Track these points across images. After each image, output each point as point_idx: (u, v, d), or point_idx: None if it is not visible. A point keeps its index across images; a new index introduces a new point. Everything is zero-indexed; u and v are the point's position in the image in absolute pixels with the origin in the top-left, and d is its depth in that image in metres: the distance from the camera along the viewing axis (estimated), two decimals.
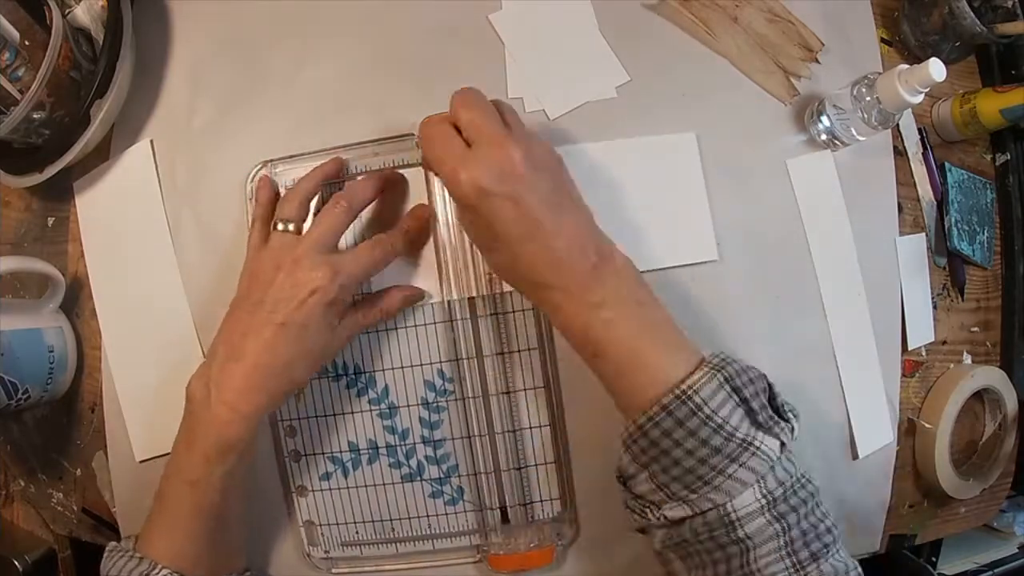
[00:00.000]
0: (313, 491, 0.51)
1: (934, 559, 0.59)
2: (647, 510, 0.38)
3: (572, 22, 0.52)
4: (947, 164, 0.56)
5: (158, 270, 0.53)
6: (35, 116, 0.48)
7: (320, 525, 0.51)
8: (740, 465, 0.35)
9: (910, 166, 0.55)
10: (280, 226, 0.44)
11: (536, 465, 0.50)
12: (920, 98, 0.45)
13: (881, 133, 0.50)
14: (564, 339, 0.40)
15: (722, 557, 0.35)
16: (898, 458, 0.53)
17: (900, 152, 0.54)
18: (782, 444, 0.36)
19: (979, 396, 0.56)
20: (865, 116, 0.47)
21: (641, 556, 0.50)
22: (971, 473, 0.55)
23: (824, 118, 0.50)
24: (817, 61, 0.53)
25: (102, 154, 0.55)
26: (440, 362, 0.50)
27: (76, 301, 0.56)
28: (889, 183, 0.53)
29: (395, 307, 0.48)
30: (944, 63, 0.43)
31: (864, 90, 0.47)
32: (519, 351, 0.50)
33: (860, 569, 0.36)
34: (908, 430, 0.54)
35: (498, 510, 0.50)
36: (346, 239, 0.49)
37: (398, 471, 0.51)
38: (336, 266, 0.42)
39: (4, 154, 0.52)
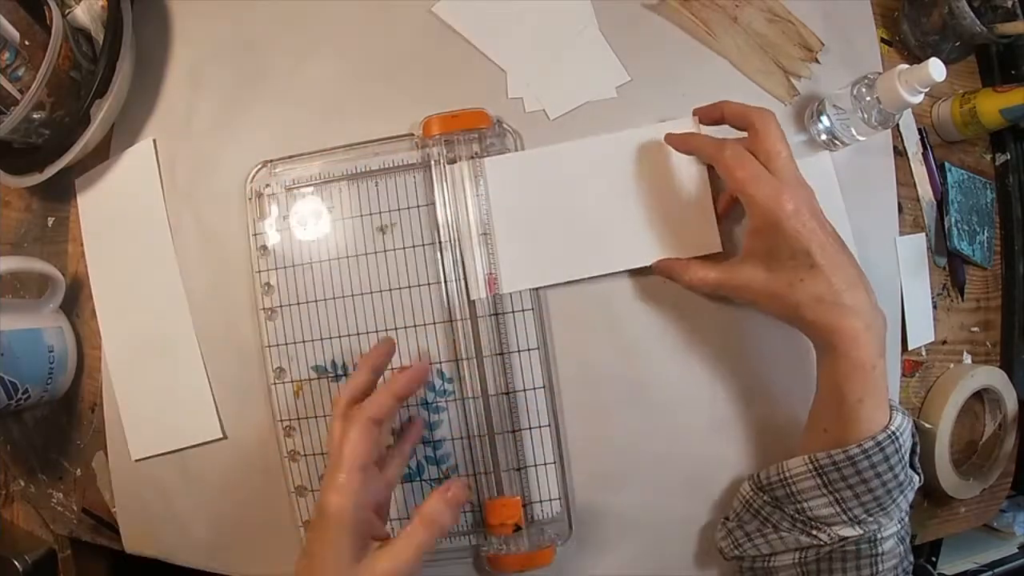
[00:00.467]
0: (313, 491, 0.51)
1: (934, 559, 0.59)
2: (818, 531, 0.41)
3: (572, 22, 0.52)
4: (947, 164, 0.56)
5: (158, 270, 0.53)
6: (35, 116, 0.48)
7: None
8: (904, 496, 0.41)
9: (910, 166, 0.55)
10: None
11: (536, 465, 0.50)
12: (920, 98, 0.45)
13: (881, 133, 0.50)
14: (833, 375, 0.41)
15: (853, 566, 0.41)
16: None
17: (900, 152, 0.54)
18: (920, 478, 0.42)
19: (979, 396, 0.56)
20: (865, 116, 0.47)
21: (641, 556, 0.50)
22: (971, 473, 0.55)
23: (824, 118, 0.50)
24: (817, 61, 0.53)
25: (102, 154, 0.55)
26: (440, 362, 0.50)
27: (76, 301, 0.56)
28: (889, 183, 0.53)
29: (439, 511, 0.39)
30: (944, 63, 0.43)
31: (864, 90, 0.47)
32: (519, 351, 0.50)
33: None
34: None
35: None
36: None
37: None
38: (325, 477, 0.40)
39: (4, 154, 0.52)
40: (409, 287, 0.50)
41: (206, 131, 0.54)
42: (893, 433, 0.40)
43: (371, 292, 0.50)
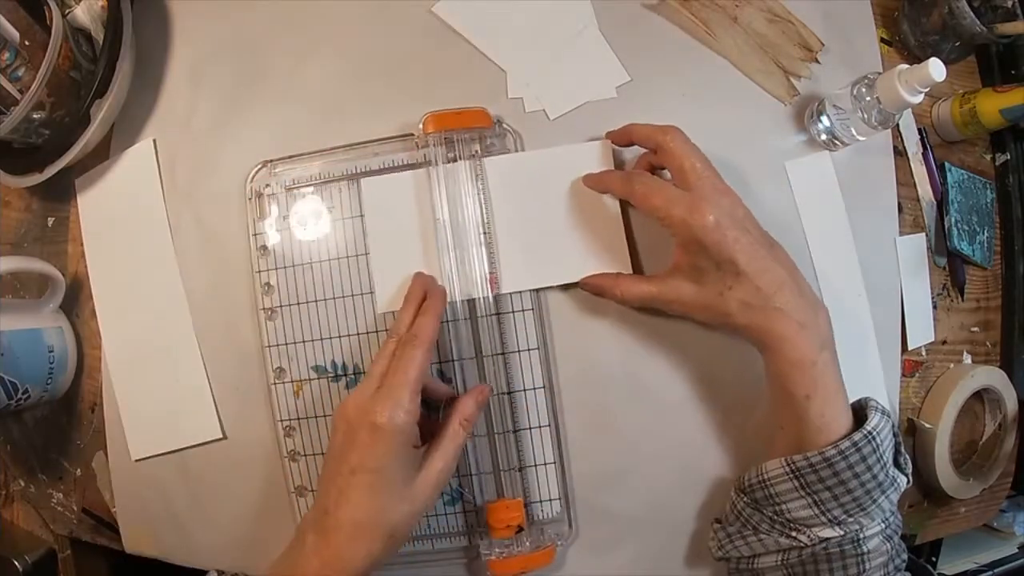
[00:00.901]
0: (312, 491, 0.51)
1: (934, 559, 0.59)
2: (798, 532, 0.41)
3: (572, 22, 0.52)
4: (947, 164, 0.56)
5: (158, 270, 0.53)
6: (35, 116, 0.48)
7: None
8: (886, 496, 0.41)
9: (910, 166, 0.55)
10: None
11: (536, 465, 0.50)
12: (920, 98, 0.45)
13: (881, 133, 0.50)
14: (777, 375, 0.42)
15: (839, 567, 0.41)
16: None
17: (900, 152, 0.54)
18: (907, 480, 0.42)
19: (979, 396, 0.56)
20: (865, 116, 0.47)
21: (641, 556, 0.50)
22: (971, 473, 0.55)
23: (824, 118, 0.50)
24: (817, 61, 0.53)
25: (102, 154, 0.55)
26: (440, 362, 0.50)
27: (76, 301, 0.56)
28: (889, 183, 0.53)
29: (472, 412, 0.45)
30: (944, 63, 0.43)
31: (864, 90, 0.47)
32: (519, 351, 0.50)
33: None
34: (908, 430, 0.54)
35: None
36: None
37: None
38: (378, 394, 0.41)
39: (4, 154, 0.52)
40: None
41: (206, 131, 0.54)
42: (869, 433, 0.40)
43: (371, 292, 0.50)
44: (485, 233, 0.49)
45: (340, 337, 0.51)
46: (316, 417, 0.51)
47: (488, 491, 0.50)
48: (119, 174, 0.55)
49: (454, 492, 0.51)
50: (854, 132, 0.49)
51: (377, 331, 0.50)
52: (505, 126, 0.51)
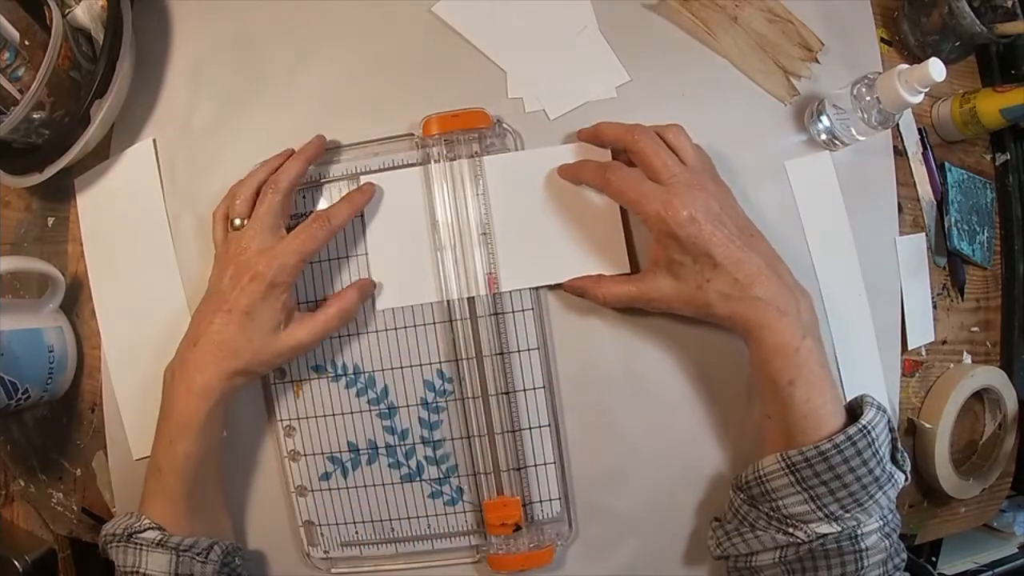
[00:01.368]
0: (312, 491, 0.51)
1: (934, 559, 0.59)
2: (795, 528, 0.41)
3: (572, 22, 0.52)
4: (947, 164, 0.56)
5: (158, 270, 0.53)
6: (35, 116, 0.48)
7: (320, 525, 0.51)
8: (883, 492, 0.41)
9: (910, 166, 0.55)
10: (237, 222, 0.47)
11: (536, 465, 0.50)
12: (920, 98, 0.45)
13: (881, 133, 0.50)
14: (760, 363, 0.43)
15: (837, 563, 0.41)
16: None
17: (900, 152, 0.54)
18: (905, 477, 0.42)
19: (979, 396, 0.56)
20: (865, 116, 0.47)
21: (641, 556, 0.50)
22: (971, 473, 0.55)
23: (824, 118, 0.50)
24: (817, 61, 0.53)
25: (102, 154, 0.55)
26: (440, 362, 0.50)
27: (76, 301, 0.56)
28: (889, 183, 0.53)
29: (353, 301, 0.48)
30: (944, 63, 0.43)
31: (864, 90, 0.47)
32: (519, 351, 0.50)
33: None
34: (908, 430, 0.54)
35: None
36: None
37: (397, 471, 0.51)
38: (271, 250, 0.45)
39: (4, 154, 0.52)
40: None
41: (206, 131, 0.54)
42: (864, 427, 0.40)
43: (372, 292, 0.50)
44: (484, 233, 0.49)
45: (340, 337, 0.51)
46: (316, 417, 0.51)
47: (487, 490, 0.50)
48: (119, 174, 0.55)
49: (454, 492, 0.51)
50: (854, 132, 0.49)
51: (377, 331, 0.50)
52: (505, 126, 0.51)
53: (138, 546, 0.43)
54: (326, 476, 0.51)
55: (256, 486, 0.52)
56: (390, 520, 0.51)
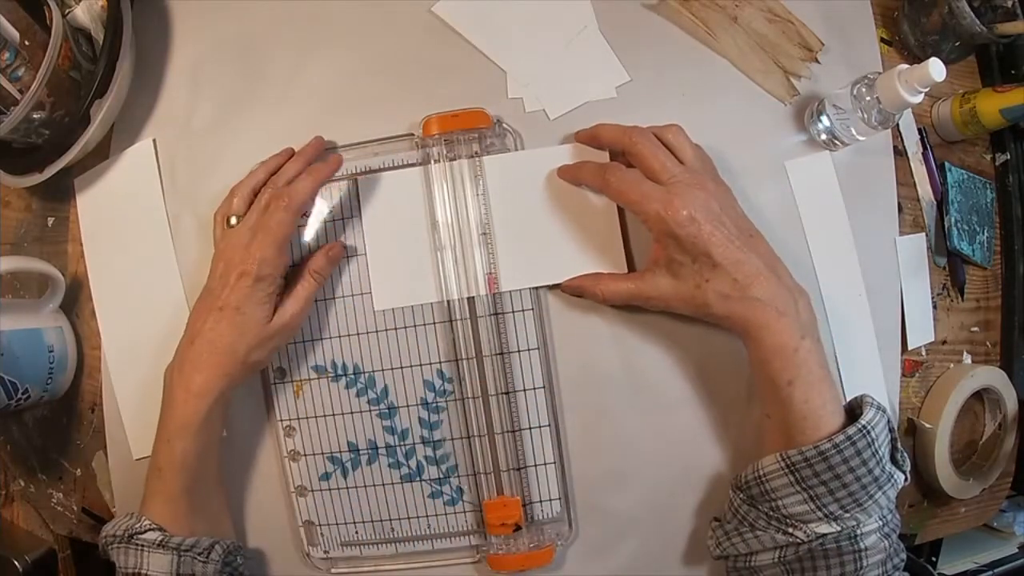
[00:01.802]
0: (312, 491, 0.51)
1: (934, 559, 0.59)
2: (794, 528, 0.41)
3: (572, 22, 0.52)
4: (947, 164, 0.56)
5: (158, 270, 0.53)
6: (35, 116, 0.48)
7: (320, 525, 0.51)
8: (883, 493, 0.41)
9: (910, 166, 0.55)
10: (232, 220, 0.47)
11: (536, 465, 0.50)
12: (920, 98, 0.45)
13: (881, 133, 0.50)
14: (759, 363, 0.43)
15: (836, 563, 0.41)
16: None
17: (900, 152, 0.54)
18: (905, 477, 0.42)
19: (979, 396, 0.56)
20: (865, 116, 0.47)
21: (641, 556, 0.50)
22: (971, 473, 0.55)
23: (824, 118, 0.50)
24: (817, 61, 0.53)
25: (102, 154, 0.55)
26: (440, 362, 0.50)
27: (76, 301, 0.56)
28: (889, 183, 0.53)
29: (322, 266, 0.49)
30: (944, 63, 0.43)
31: (864, 90, 0.47)
32: (519, 351, 0.50)
33: None
34: (908, 430, 0.54)
35: None
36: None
37: (397, 471, 0.51)
38: (250, 246, 0.45)
39: (4, 154, 0.52)
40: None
41: (206, 131, 0.54)
42: (864, 427, 0.40)
43: (371, 292, 0.50)
44: (484, 233, 0.49)
45: (340, 337, 0.51)
46: (316, 417, 0.51)
47: (487, 490, 0.50)
48: (119, 174, 0.55)
49: (454, 492, 0.51)
50: (854, 132, 0.49)
51: (377, 331, 0.50)
52: (505, 126, 0.51)
53: (139, 547, 0.43)
54: (326, 476, 0.51)
55: (256, 486, 0.52)
56: (390, 520, 0.51)
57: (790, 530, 0.41)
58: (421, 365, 0.50)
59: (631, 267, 0.49)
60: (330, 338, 0.51)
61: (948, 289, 0.55)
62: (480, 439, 0.50)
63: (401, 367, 0.50)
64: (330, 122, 0.52)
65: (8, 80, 0.49)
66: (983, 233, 0.56)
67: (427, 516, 0.51)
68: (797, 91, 0.52)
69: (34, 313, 0.53)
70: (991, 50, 0.58)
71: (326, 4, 0.54)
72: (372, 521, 0.51)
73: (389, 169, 0.51)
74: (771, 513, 0.42)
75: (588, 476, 0.50)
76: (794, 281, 0.44)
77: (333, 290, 0.51)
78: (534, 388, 0.50)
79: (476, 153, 0.50)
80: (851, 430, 0.40)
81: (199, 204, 0.53)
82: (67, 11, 0.50)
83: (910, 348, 0.53)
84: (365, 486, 0.51)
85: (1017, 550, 0.62)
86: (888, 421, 0.42)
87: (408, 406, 0.50)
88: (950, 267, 0.55)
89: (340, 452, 0.51)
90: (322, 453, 0.51)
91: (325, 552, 0.52)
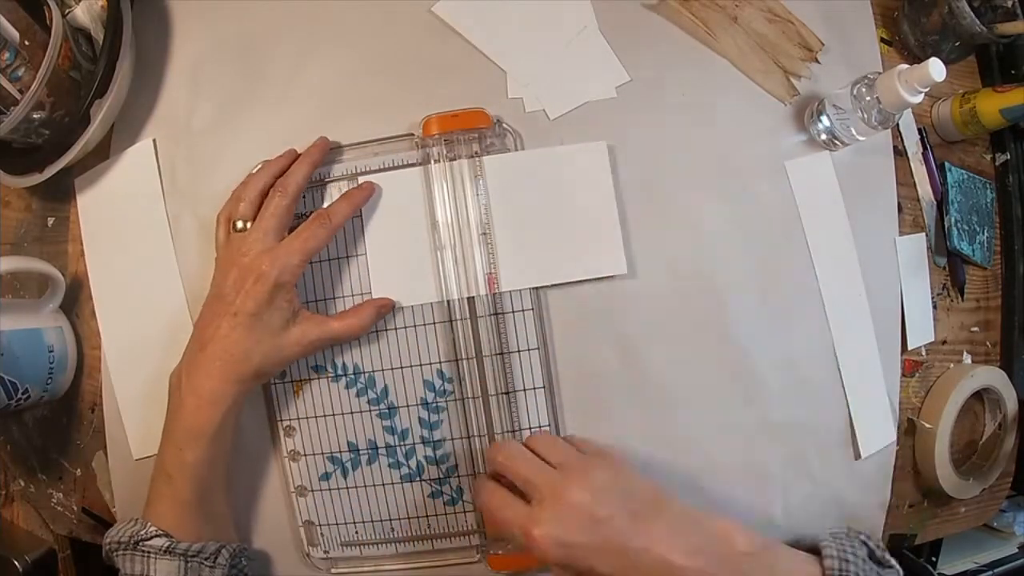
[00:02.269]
0: (312, 491, 0.51)
1: (934, 559, 0.59)
2: None
3: (572, 22, 0.52)
4: (947, 164, 0.56)
5: (158, 270, 0.53)
6: (35, 116, 0.48)
7: (320, 525, 0.51)
8: None
9: (910, 166, 0.55)
10: (239, 224, 0.47)
11: None
12: (920, 98, 0.45)
13: (881, 133, 0.50)
14: None
15: None
16: (898, 458, 0.53)
17: (900, 152, 0.54)
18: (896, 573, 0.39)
19: (979, 396, 0.56)
20: (865, 116, 0.47)
21: None
22: (971, 473, 0.55)
23: (824, 118, 0.50)
24: (817, 61, 0.53)
25: (102, 154, 0.55)
26: (440, 362, 0.50)
27: (76, 301, 0.56)
28: (889, 183, 0.53)
29: (367, 320, 0.48)
30: (944, 63, 0.43)
31: (864, 90, 0.47)
32: (519, 351, 0.50)
33: None
34: (908, 430, 0.54)
35: None
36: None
37: (397, 471, 0.51)
38: (274, 251, 0.45)
39: (4, 154, 0.52)
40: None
41: (206, 131, 0.54)
42: None
43: (371, 292, 0.50)
44: (484, 232, 0.49)
45: None
46: (316, 417, 0.51)
47: None
48: (119, 174, 0.55)
49: (454, 492, 0.51)
50: (854, 132, 0.49)
51: (377, 331, 0.50)
52: (505, 126, 0.51)
53: (146, 554, 0.43)
54: (326, 476, 0.51)
55: (256, 486, 0.52)
56: (390, 520, 0.51)
57: None
58: (421, 365, 0.50)
59: (631, 268, 0.49)
60: None
61: (948, 289, 0.55)
62: (480, 439, 0.50)
63: (401, 367, 0.50)
64: (330, 122, 0.52)
65: (8, 80, 0.49)
66: (983, 233, 0.56)
67: (427, 516, 0.51)
68: (797, 91, 0.52)
69: (34, 313, 0.53)
70: (991, 50, 0.58)
71: (326, 4, 0.54)
72: (372, 521, 0.51)
73: (389, 169, 0.51)
74: None
75: None
76: (702, 532, 0.40)
77: (333, 290, 0.51)
78: (534, 388, 0.50)
79: (476, 153, 0.50)
80: None
81: (199, 204, 0.53)
82: (67, 11, 0.50)
83: (910, 348, 0.53)
84: (365, 486, 0.51)
85: (1017, 550, 0.62)
86: (856, 544, 0.39)
87: (408, 406, 0.50)
88: (950, 267, 0.55)
89: (340, 452, 0.51)
90: (322, 453, 0.51)
91: (325, 552, 0.52)
